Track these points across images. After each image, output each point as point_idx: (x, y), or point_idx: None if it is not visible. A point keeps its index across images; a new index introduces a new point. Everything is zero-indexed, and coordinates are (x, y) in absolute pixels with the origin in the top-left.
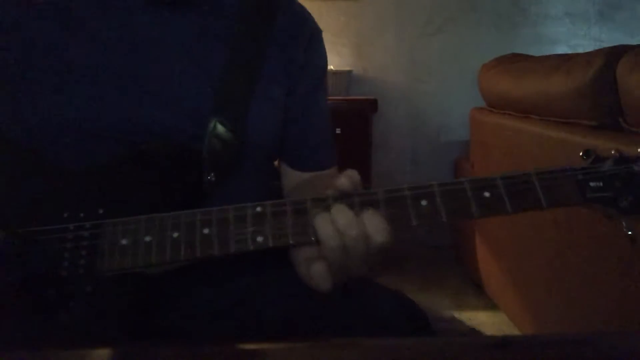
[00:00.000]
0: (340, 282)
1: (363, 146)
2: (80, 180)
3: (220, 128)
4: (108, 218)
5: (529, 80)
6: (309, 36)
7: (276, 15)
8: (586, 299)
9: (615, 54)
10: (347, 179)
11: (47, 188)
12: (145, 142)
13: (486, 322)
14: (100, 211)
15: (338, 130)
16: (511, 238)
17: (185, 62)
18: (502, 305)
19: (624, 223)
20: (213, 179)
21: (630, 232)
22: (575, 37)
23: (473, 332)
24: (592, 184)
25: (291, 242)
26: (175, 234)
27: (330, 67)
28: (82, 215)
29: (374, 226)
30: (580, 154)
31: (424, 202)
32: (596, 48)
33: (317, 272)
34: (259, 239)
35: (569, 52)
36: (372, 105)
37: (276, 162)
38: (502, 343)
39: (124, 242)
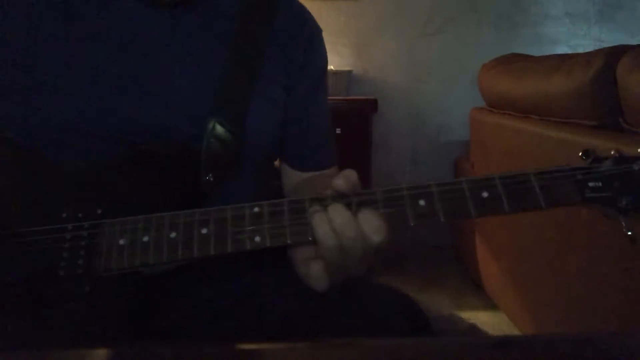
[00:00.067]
0: (338, 281)
1: (363, 146)
2: (79, 180)
3: (219, 128)
4: (107, 218)
5: (528, 80)
6: (309, 36)
7: (276, 15)
8: (586, 299)
9: (615, 54)
10: (344, 179)
11: (46, 188)
12: (144, 142)
13: (486, 322)
14: (99, 211)
15: (338, 130)
16: (511, 238)
17: (184, 62)
18: (502, 305)
19: (623, 223)
20: (212, 179)
21: (629, 232)
22: (575, 37)
23: (473, 332)
24: (591, 184)
25: (289, 241)
26: (173, 234)
27: (330, 67)
28: (80, 215)
29: (371, 226)
30: (580, 154)
31: (422, 202)
32: (596, 48)
33: (314, 272)
34: (257, 238)
35: (569, 52)
36: (372, 105)
37: (276, 162)
38: (502, 343)
39: (122, 242)
